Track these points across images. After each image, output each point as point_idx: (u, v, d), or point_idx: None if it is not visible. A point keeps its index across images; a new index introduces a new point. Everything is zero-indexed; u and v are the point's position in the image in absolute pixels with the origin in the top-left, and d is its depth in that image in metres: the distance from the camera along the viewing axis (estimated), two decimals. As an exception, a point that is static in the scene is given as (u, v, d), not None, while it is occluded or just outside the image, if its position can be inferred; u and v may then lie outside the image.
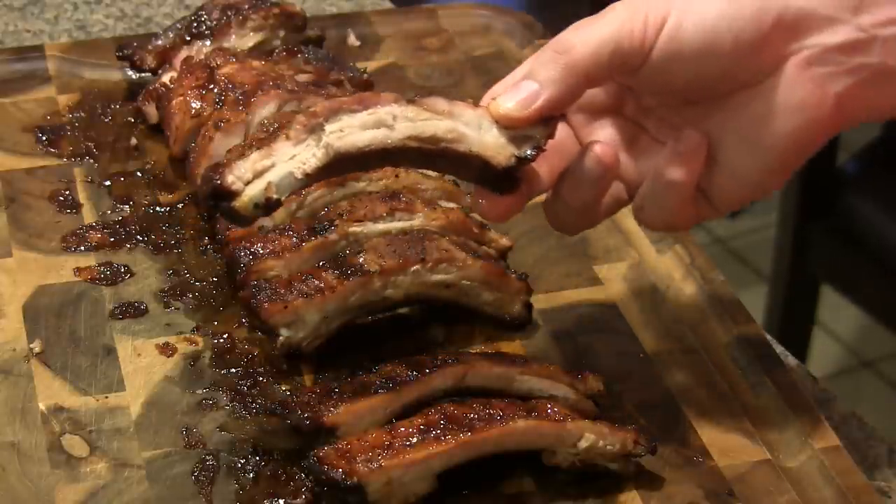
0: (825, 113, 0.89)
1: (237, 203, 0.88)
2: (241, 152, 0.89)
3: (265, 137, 0.90)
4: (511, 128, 0.92)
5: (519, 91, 0.91)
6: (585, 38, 0.90)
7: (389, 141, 0.90)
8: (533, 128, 0.92)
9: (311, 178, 0.89)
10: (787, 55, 0.89)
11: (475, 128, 0.92)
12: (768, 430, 1.04)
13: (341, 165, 0.90)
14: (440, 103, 0.92)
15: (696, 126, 0.93)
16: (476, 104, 0.93)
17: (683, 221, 0.96)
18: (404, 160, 0.93)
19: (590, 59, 0.90)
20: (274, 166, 0.89)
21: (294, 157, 0.89)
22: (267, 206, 0.89)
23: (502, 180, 0.93)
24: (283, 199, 0.89)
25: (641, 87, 0.95)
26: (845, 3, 0.88)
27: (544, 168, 0.95)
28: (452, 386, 0.99)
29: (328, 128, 0.89)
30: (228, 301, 1.12)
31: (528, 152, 0.92)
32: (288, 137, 0.89)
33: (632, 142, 0.97)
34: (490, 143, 0.92)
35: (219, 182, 0.88)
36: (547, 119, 0.91)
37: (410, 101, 0.91)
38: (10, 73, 1.35)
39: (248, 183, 0.88)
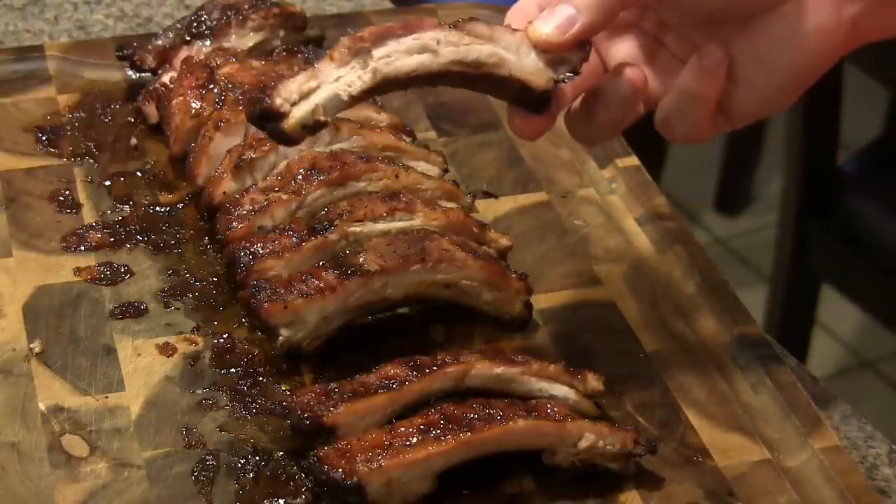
0: (840, 35, 0.92)
1: (286, 124, 0.90)
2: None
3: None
4: (548, 52, 0.94)
5: (556, 16, 0.93)
6: None
7: (434, 66, 0.93)
8: (569, 51, 0.94)
9: (355, 100, 0.92)
10: None
11: (515, 52, 0.94)
12: (768, 430, 1.04)
13: (385, 88, 0.93)
14: (481, 27, 0.94)
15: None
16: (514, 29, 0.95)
17: (704, 134, 0.98)
18: (446, 82, 0.96)
19: None
20: (320, 87, 0.91)
21: (339, 78, 0.91)
22: (314, 127, 0.91)
23: (537, 101, 0.96)
24: (329, 120, 0.91)
25: (670, 8, 0.97)
26: None
27: (567, 84, 0.97)
28: (452, 386, 0.99)
29: (376, 53, 0.91)
30: (228, 301, 1.12)
31: (566, 75, 0.95)
32: (332, 59, 0.91)
33: (651, 57, 0.99)
34: (529, 67, 0.94)
35: (268, 104, 0.89)
36: (582, 42, 0.94)
37: (453, 26, 0.93)
38: (10, 73, 1.35)
39: (294, 104, 0.90)
